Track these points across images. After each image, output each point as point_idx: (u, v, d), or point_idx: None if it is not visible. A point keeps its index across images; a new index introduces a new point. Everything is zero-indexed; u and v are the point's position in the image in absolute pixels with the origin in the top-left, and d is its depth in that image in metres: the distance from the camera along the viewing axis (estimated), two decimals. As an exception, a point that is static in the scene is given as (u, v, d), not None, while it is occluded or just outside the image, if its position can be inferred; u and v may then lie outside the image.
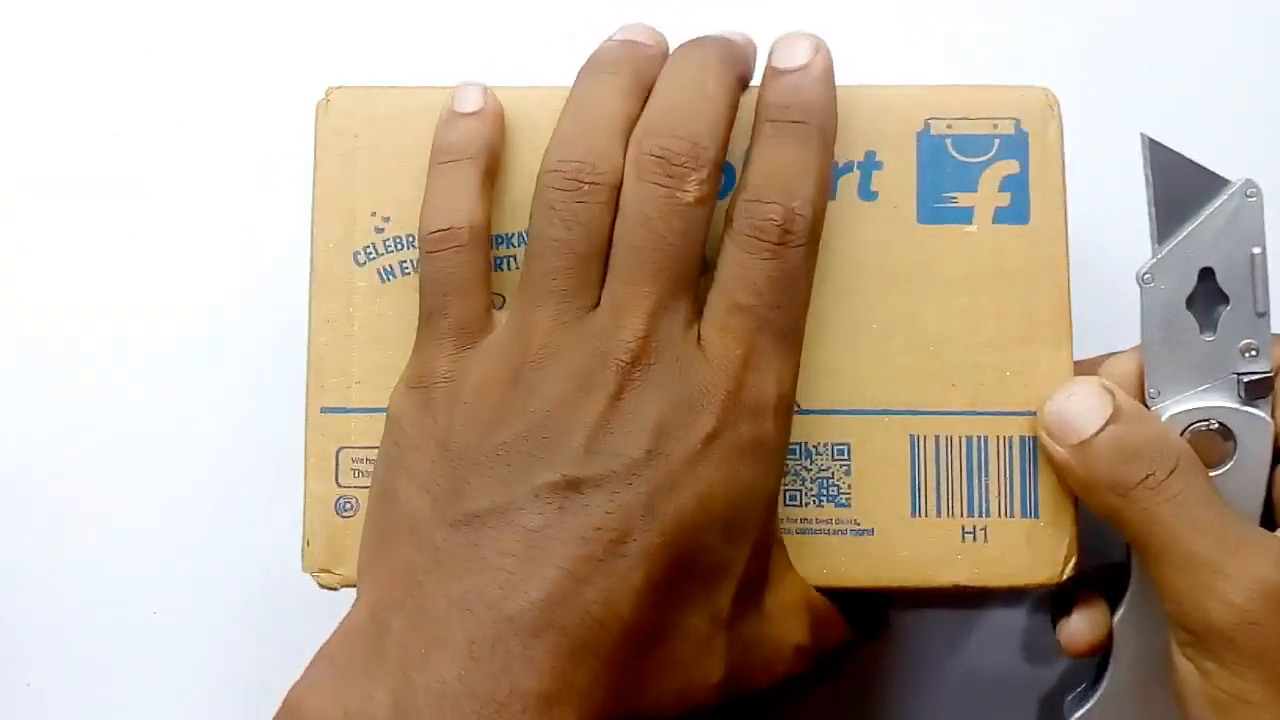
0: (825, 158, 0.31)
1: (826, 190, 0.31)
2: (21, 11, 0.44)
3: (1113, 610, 0.34)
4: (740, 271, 0.30)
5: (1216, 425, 0.32)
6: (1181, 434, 0.32)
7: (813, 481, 0.33)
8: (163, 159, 0.43)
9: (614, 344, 0.29)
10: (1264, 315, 0.32)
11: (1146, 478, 0.30)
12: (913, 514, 0.33)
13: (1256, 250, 0.32)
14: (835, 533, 0.33)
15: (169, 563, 0.35)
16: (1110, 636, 0.34)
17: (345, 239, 0.34)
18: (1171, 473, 0.31)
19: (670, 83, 0.31)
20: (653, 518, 0.27)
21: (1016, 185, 0.34)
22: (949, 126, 0.34)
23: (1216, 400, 0.32)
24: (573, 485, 0.27)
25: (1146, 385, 0.33)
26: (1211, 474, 0.31)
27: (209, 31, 0.45)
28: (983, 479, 0.33)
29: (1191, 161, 0.33)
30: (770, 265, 0.30)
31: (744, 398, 0.29)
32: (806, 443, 0.33)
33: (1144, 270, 0.33)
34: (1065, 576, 0.33)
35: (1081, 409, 0.32)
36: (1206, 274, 0.32)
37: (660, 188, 0.30)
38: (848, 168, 0.34)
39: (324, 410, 0.34)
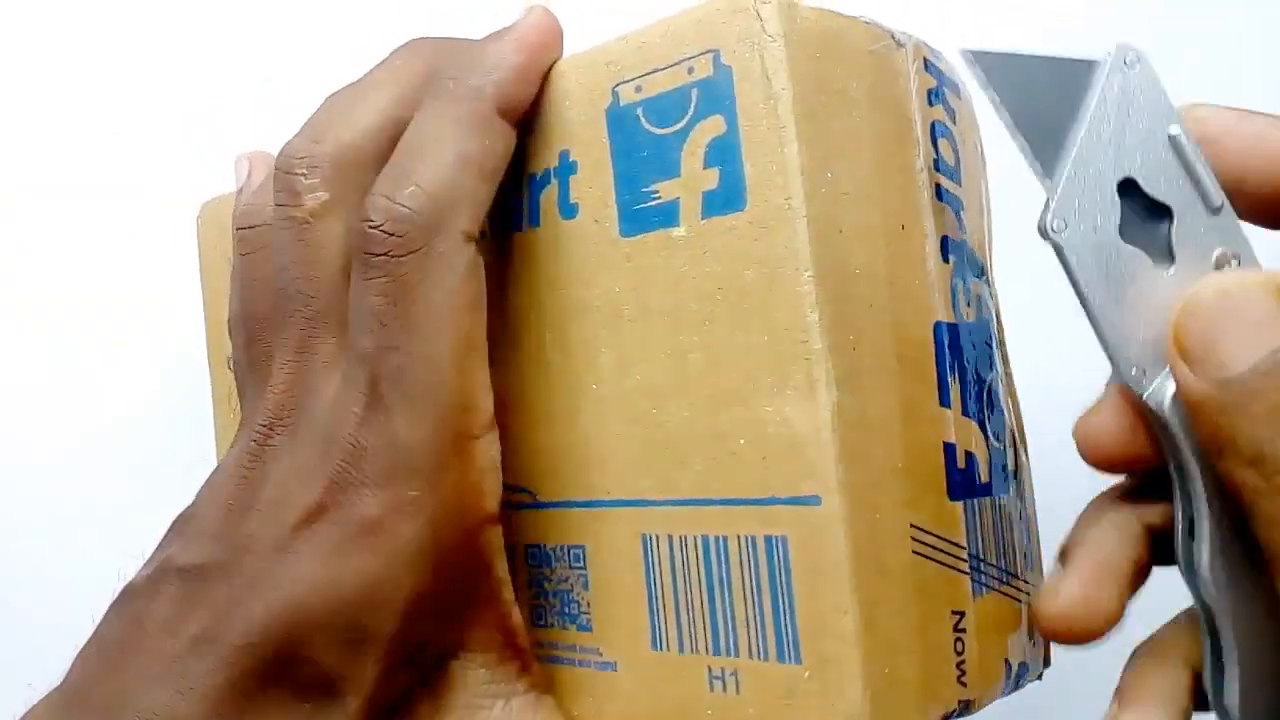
0: (467, 121, 0.24)
1: (474, 166, 0.23)
2: (22, 11, 0.45)
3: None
4: (355, 303, 0.24)
5: None
6: None
7: (554, 595, 0.26)
8: (161, 159, 0.44)
9: (257, 408, 0.26)
10: (1222, 207, 0.21)
11: None
12: (654, 646, 0.24)
13: (1174, 130, 0.21)
14: (582, 664, 0.25)
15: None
16: None
17: (222, 347, 0.35)
18: None
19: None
20: (238, 615, 0.23)
21: (725, 154, 0.22)
22: (638, 89, 0.24)
23: None
24: (192, 572, 0.25)
25: (1121, 370, 0.21)
26: None
27: (211, 31, 0.45)
28: (725, 599, 0.23)
29: (1037, 57, 0.22)
30: (378, 288, 0.23)
31: (363, 467, 0.23)
32: (545, 544, 0.26)
33: (1049, 219, 0.21)
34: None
35: (1234, 321, 0.20)
36: (1129, 188, 0.21)
37: (280, 208, 0.25)
38: (545, 179, 0.25)
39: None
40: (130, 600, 0.25)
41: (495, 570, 0.24)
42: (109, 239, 0.45)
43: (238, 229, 0.28)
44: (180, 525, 0.26)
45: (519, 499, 0.26)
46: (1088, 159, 0.21)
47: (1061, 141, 0.21)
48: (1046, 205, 0.21)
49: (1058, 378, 0.30)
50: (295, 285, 0.25)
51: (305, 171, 0.25)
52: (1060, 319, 0.34)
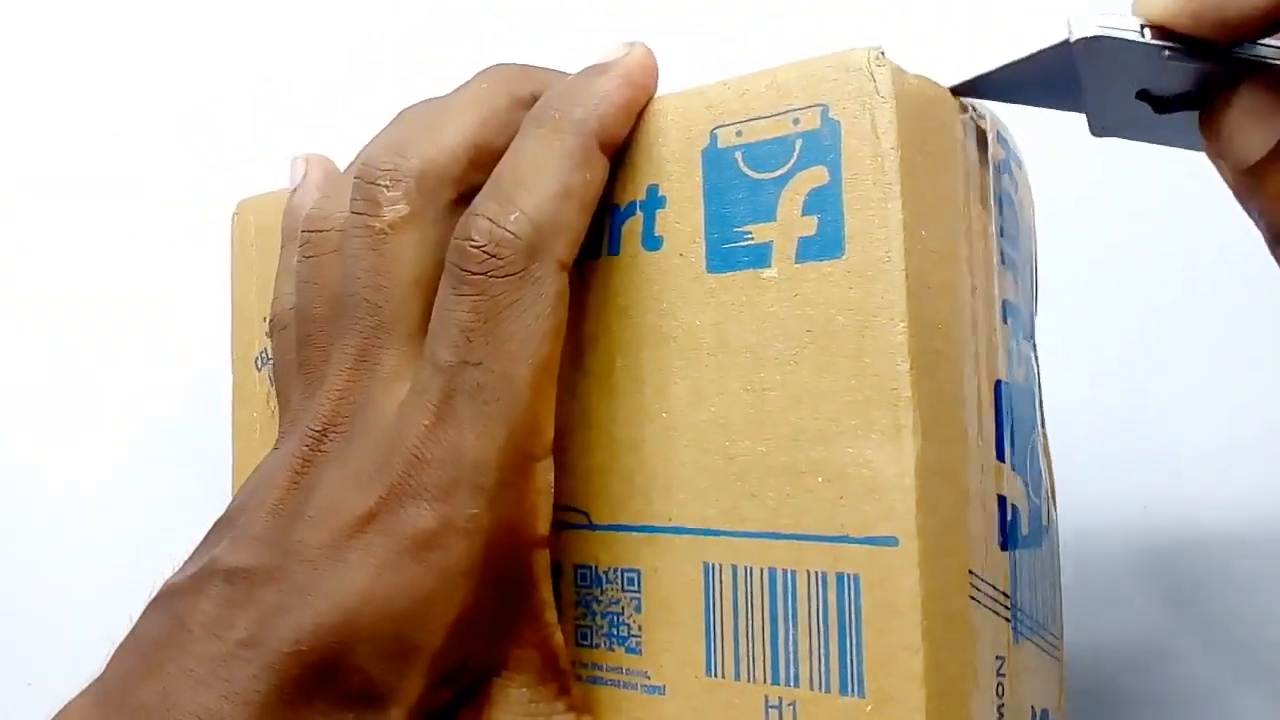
0: (575, 154, 0.24)
1: (575, 199, 0.24)
2: (23, 11, 0.45)
3: None
4: (441, 315, 0.24)
5: None
6: None
7: (603, 617, 0.26)
8: (161, 159, 0.44)
9: (310, 412, 0.25)
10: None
11: None
12: (708, 672, 0.24)
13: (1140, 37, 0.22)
14: (626, 686, 0.26)
15: (170, 563, 0.37)
16: None
17: (248, 345, 0.35)
18: None
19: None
20: (287, 620, 0.23)
21: (825, 203, 0.23)
22: (739, 134, 0.24)
23: None
24: (239, 575, 0.24)
25: None
26: None
27: (211, 32, 0.45)
28: (789, 631, 0.23)
29: (1015, 61, 0.24)
30: (470, 304, 0.24)
31: (423, 479, 0.23)
32: (596, 566, 0.26)
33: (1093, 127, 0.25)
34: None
35: (1243, 115, 0.23)
36: (1144, 96, 0.24)
37: (357, 215, 0.25)
38: (630, 210, 0.26)
39: (238, 512, 0.35)
40: (172, 600, 0.25)
41: (540, 592, 0.25)
42: (107, 239, 0.45)
43: (304, 231, 0.28)
44: (224, 527, 0.26)
45: (572, 519, 0.27)
46: (1099, 94, 0.24)
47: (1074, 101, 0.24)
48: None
49: (1084, 440, 0.32)
50: (364, 293, 0.25)
51: (389, 184, 0.25)
52: (1091, 383, 0.36)
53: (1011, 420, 0.26)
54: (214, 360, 0.38)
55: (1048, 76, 0.23)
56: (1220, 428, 0.35)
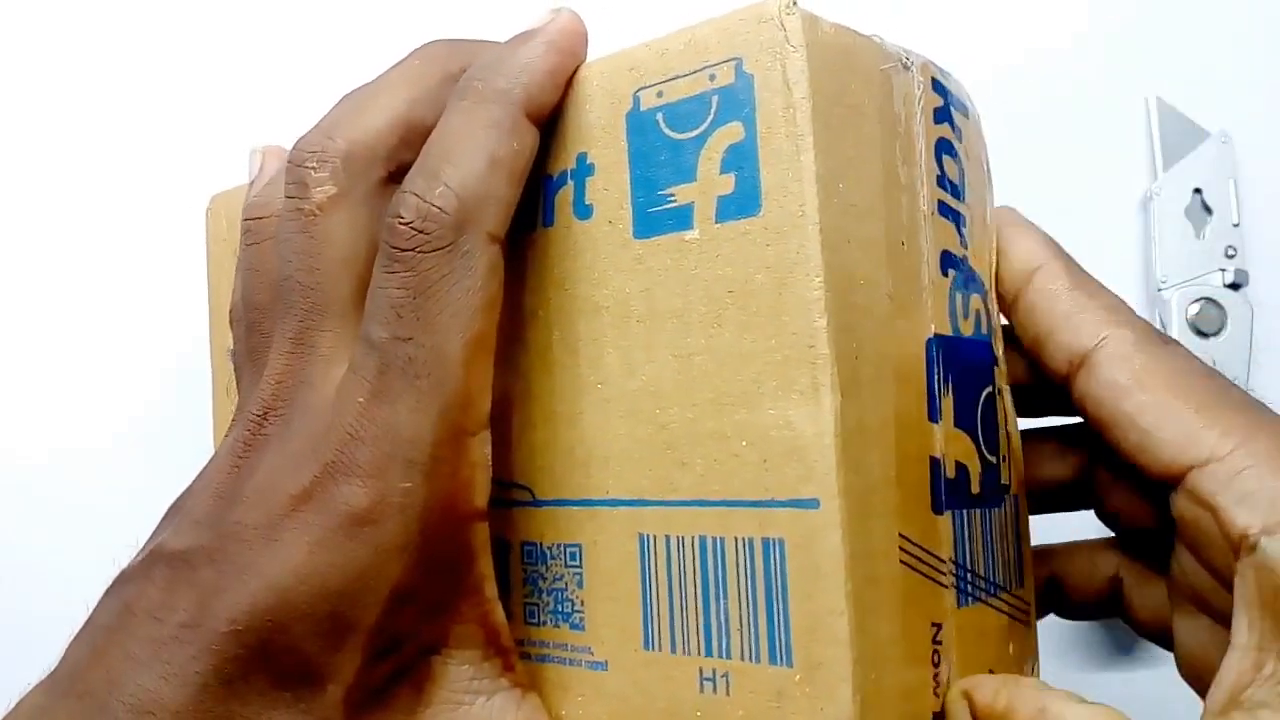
0: (501, 125, 0.24)
1: (503, 169, 0.24)
2: (21, 8, 0.45)
3: None
4: (374, 293, 0.24)
5: (1212, 299, 0.39)
6: (1189, 305, 0.40)
7: (548, 594, 0.26)
8: (158, 157, 0.44)
9: (253, 398, 0.26)
10: (1238, 226, 0.39)
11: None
12: (645, 645, 0.24)
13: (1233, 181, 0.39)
14: (572, 663, 0.25)
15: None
16: None
17: (225, 338, 0.35)
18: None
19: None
20: (223, 601, 0.23)
21: (742, 160, 0.23)
22: (660, 95, 0.24)
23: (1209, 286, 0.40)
24: (180, 558, 0.24)
25: (1158, 274, 0.40)
26: (1209, 340, 0.39)
27: (210, 30, 0.46)
28: (720, 601, 0.23)
29: (1183, 116, 0.40)
30: (400, 280, 0.23)
31: (357, 456, 0.23)
32: (541, 543, 0.26)
33: (1153, 187, 0.40)
34: (837, 764, 0.21)
35: None
36: (1196, 191, 0.39)
37: (289, 199, 0.26)
38: (561, 180, 0.26)
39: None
40: (122, 587, 0.25)
41: (479, 567, 0.25)
42: (82, 234, 0.45)
43: (245, 219, 0.28)
44: (172, 513, 0.26)
45: (518, 496, 0.26)
46: (1183, 171, 0.38)
47: (1176, 159, 0.39)
48: (1155, 183, 0.40)
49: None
50: (298, 276, 0.25)
51: (315, 165, 0.25)
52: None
53: (953, 375, 0.25)
54: (196, 354, 0.38)
55: None
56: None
